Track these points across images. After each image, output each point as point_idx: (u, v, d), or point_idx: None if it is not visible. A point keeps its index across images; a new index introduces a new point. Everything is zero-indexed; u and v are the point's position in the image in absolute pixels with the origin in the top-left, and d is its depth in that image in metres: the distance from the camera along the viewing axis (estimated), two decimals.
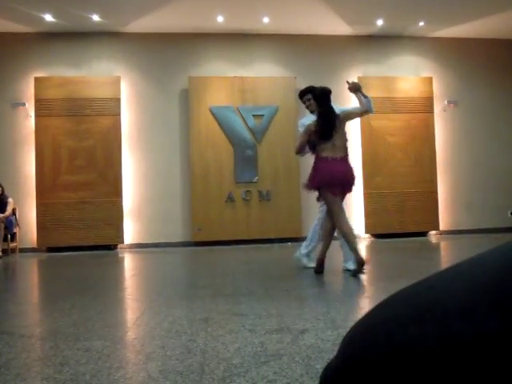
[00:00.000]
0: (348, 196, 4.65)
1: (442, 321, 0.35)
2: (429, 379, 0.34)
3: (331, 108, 4.59)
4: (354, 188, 4.61)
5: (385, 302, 0.44)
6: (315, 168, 4.47)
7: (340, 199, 4.44)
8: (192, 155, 8.65)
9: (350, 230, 4.34)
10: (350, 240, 4.27)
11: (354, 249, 4.24)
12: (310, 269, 4.70)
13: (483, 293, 0.35)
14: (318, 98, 4.60)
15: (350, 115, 4.79)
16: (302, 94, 4.96)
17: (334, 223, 4.41)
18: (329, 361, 0.47)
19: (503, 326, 0.32)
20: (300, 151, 4.64)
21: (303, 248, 4.99)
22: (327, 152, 4.39)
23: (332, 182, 4.35)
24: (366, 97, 4.65)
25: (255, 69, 9.12)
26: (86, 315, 2.92)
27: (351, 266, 4.42)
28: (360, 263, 4.16)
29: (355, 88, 4.66)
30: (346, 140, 4.55)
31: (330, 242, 4.52)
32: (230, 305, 3.10)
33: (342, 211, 4.41)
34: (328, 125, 4.44)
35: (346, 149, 4.50)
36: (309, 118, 4.81)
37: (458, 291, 0.37)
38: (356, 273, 4.20)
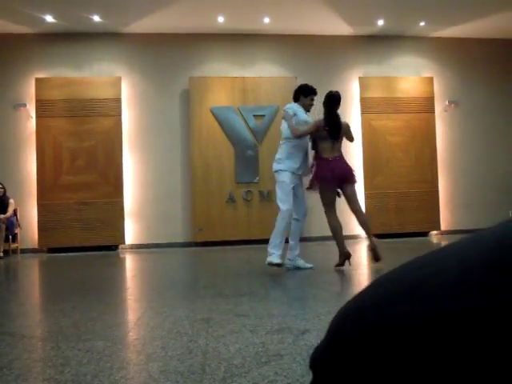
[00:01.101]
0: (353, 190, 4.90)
1: (431, 298, 0.35)
2: (418, 357, 0.34)
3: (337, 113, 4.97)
4: (356, 178, 5.03)
5: (375, 281, 0.44)
6: (318, 168, 4.83)
7: (349, 191, 4.83)
8: (193, 155, 8.65)
9: (340, 226, 4.82)
10: (337, 235, 4.78)
11: (340, 243, 4.73)
12: (308, 270, 4.70)
13: (477, 271, 0.34)
14: (327, 101, 4.94)
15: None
16: (311, 92, 4.97)
17: (327, 218, 4.83)
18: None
19: (496, 304, 0.32)
20: (301, 137, 4.82)
21: (292, 253, 4.87)
22: (327, 153, 4.82)
23: (334, 178, 4.76)
24: None
25: (256, 69, 9.12)
26: (87, 316, 2.93)
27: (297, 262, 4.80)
28: (346, 257, 4.70)
29: None
30: (341, 143, 4.99)
31: (342, 236, 4.85)
32: (231, 305, 3.10)
33: (334, 209, 4.85)
34: (337, 127, 4.86)
35: (340, 150, 4.94)
36: (294, 106, 5.01)
37: (451, 270, 0.36)
38: (341, 265, 4.68)
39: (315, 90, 5.01)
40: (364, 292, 0.44)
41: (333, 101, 4.90)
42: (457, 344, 0.32)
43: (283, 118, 4.95)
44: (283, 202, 4.73)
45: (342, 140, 4.93)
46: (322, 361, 0.41)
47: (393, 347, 0.35)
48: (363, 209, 4.84)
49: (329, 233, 4.92)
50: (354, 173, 4.94)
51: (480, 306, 0.32)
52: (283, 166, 4.81)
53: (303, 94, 4.96)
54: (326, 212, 4.83)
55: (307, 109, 5.00)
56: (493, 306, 0.32)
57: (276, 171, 4.86)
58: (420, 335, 0.34)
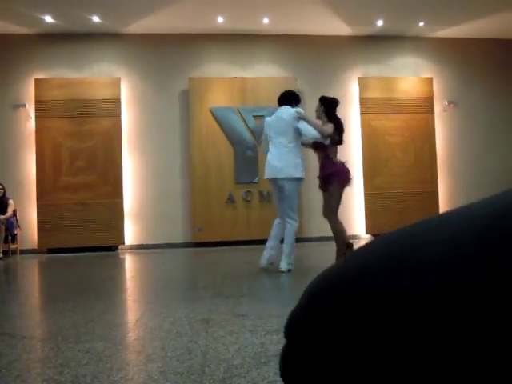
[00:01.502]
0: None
1: (417, 273, 0.32)
2: (401, 335, 0.32)
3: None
4: None
5: (359, 251, 0.41)
6: (340, 169, 4.81)
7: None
8: (192, 156, 8.65)
9: (344, 228, 4.84)
10: (339, 237, 4.79)
11: (341, 244, 4.74)
12: (312, 269, 4.71)
13: (468, 244, 0.32)
14: (333, 105, 4.98)
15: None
16: (300, 102, 5.08)
17: (331, 220, 4.81)
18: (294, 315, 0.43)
19: (488, 281, 0.29)
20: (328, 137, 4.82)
21: (285, 259, 4.71)
22: (336, 156, 4.88)
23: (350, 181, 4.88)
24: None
25: (255, 69, 9.12)
26: (86, 316, 2.93)
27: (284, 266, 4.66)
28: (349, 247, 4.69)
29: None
30: None
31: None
32: (231, 306, 3.10)
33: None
34: (342, 132, 4.92)
35: None
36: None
37: (440, 241, 0.34)
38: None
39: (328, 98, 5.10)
40: (346, 262, 0.41)
41: (336, 106, 4.96)
42: (445, 323, 0.30)
43: (301, 118, 4.70)
44: (296, 212, 4.73)
45: None
46: (297, 331, 0.39)
47: (374, 324, 0.33)
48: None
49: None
50: None
51: (470, 284, 0.30)
52: (303, 173, 4.74)
53: (297, 101, 4.92)
54: (335, 214, 4.77)
55: (318, 116, 5.04)
56: (484, 285, 0.29)
57: (300, 179, 4.70)
58: (404, 313, 0.32)
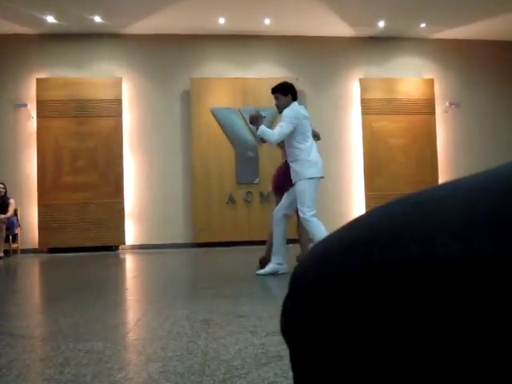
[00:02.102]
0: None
1: (427, 241, 0.31)
2: (408, 309, 0.31)
3: None
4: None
5: (364, 217, 0.39)
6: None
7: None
8: (193, 156, 8.66)
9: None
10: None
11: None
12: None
13: (483, 215, 0.30)
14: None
15: None
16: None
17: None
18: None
19: (504, 253, 0.28)
20: None
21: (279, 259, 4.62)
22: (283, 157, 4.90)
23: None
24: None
25: (256, 70, 9.13)
26: (87, 316, 2.92)
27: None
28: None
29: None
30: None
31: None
32: (231, 306, 3.10)
33: None
34: None
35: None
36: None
37: (451, 209, 0.32)
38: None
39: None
40: (351, 227, 0.39)
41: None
42: (455, 296, 0.29)
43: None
44: None
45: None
46: (306, 294, 0.38)
47: (380, 296, 0.32)
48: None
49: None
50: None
51: (485, 255, 0.28)
52: None
53: (294, 97, 4.61)
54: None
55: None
56: (500, 256, 0.28)
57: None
58: (412, 284, 0.31)
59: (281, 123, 4.36)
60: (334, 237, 0.40)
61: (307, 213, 4.33)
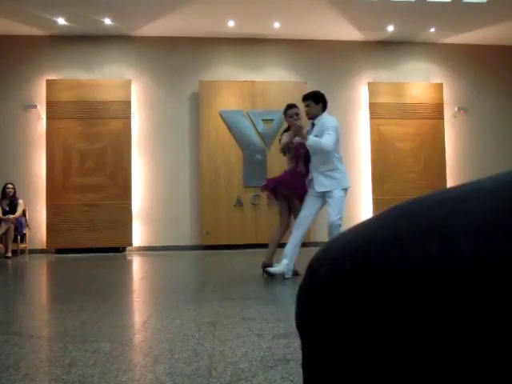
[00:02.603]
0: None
1: (449, 240, 0.30)
2: (433, 306, 0.30)
3: None
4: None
5: (384, 214, 0.38)
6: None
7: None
8: (201, 159, 8.67)
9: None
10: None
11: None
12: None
13: (507, 213, 0.29)
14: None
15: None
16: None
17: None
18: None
19: None
20: None
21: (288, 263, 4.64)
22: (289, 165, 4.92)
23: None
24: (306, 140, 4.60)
25: (265, 73, 9.14)
26: (94, 317, 2.94)
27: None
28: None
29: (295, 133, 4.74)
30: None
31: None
32: (238, 309, 3.10)
33: None
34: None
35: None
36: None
37: (475, 208, 0.31)
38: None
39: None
40: (371, 225, 0.38)
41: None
42: (480, 296, 0.28)
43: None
44: None
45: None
46: (324, 291, 0.38)
47: (400, 295, 0.32)
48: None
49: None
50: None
51: (510, 254, 0.28)
52: None
53: (325, 106, 4.68)
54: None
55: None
56: None
57: None
58: (435, 283, 0.30)
59: (329, 131, 4.44)
60: (354, 233, 0.39)
61: (339, 220, 4.46)
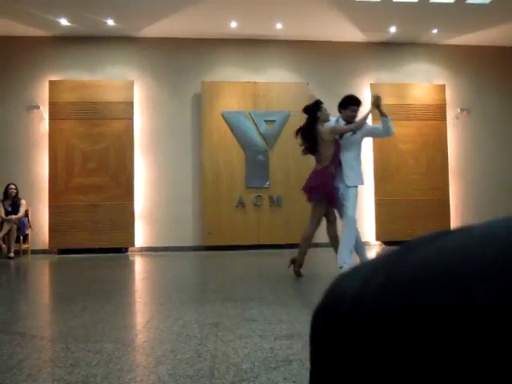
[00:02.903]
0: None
1: (464, 288, 0.30)
2: (454, 358, 0.29)
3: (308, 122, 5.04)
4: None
5: (410, 249, 0.37)
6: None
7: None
8: (203, 160, 8.68)
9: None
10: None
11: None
12: (321, 275, 4.69)
13: None
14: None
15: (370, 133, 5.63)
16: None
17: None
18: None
19: None
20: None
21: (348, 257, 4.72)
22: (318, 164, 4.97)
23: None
24: (384, 116, 4.97)
25: (268, 74, 9.14)
26: (96, 317, 2.94)
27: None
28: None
29: (376, 103, 5.31)
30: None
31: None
32: (240, 310, 3.10)
33: None
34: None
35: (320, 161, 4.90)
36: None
37: (489, 255, 0.30)
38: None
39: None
40: (395, 261, 0.37)
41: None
42: (497, 345, 0.27)
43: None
44: None
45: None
46: (341, 325, 0.38)
47: (417, 346, 0.31)
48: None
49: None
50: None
51: None
52: None
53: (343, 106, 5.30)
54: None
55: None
56: None
57: None
58: (451, 328, 0.29)
59: (372, 126, 5.40)
60: (379, 267, 0.37)
61: (354, 215, 4.76)
